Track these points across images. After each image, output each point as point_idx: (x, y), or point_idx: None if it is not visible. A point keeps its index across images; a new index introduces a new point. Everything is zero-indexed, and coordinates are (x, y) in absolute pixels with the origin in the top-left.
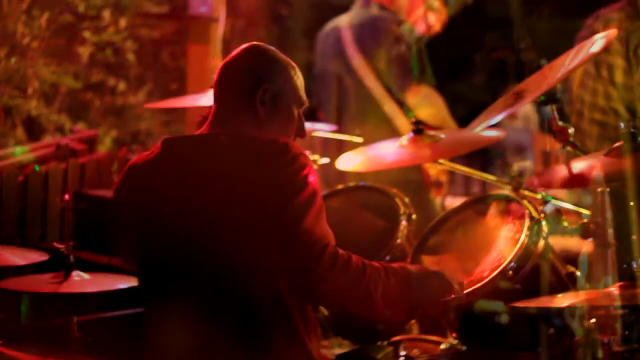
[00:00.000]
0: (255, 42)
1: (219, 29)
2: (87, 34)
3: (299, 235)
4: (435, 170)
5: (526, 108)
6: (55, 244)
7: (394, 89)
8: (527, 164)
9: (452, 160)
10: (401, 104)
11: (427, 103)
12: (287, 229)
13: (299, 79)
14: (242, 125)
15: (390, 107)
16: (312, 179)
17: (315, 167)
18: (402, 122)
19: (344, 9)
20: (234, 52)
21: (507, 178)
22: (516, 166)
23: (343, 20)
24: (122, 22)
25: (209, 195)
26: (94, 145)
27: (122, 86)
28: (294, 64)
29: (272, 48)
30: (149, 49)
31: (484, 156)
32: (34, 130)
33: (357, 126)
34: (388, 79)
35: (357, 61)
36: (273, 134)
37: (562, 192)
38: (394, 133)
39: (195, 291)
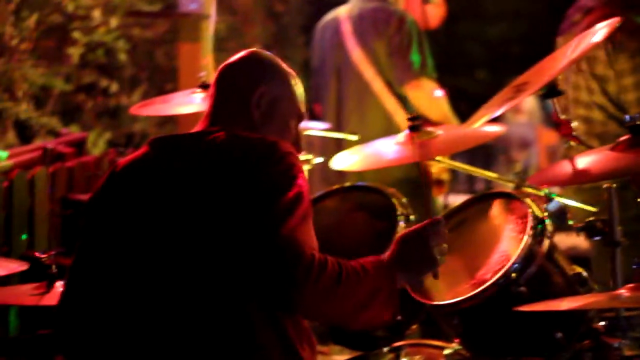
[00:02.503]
0: (256, 49)
1: (210, 27)
2: (77, 35)
3: (275, 241)
4: (436, 168)
5: (531, 102)
6: (37, 254)
7: (394, 82)
8: (532, 159)
9: (454, 156)
10: (401, 99)
11: (428, 98)
12: (265, 234)
13: (299, 90)
14: (235, 126)
15: (390, 102)
16: (300, 181)
17: (309, 166)
18: (402, 118)
19: (341, 3)
20: (235, 56)
21: (511, 174)
22: (520, 162)
23: (342, 12)
24: (113, 22)
25: (190, 197)
26: (82, 149)
27: (114, 87)
28: (295, 74)
29: (274, 56)
30: (143, 49)
31: (488, 152)
32: (25, 133)
33: (355, 121)
34: (388, 72)
35: (357, 54)
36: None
37: (570, 188)
38: (394, 129)
39: (172, 296)
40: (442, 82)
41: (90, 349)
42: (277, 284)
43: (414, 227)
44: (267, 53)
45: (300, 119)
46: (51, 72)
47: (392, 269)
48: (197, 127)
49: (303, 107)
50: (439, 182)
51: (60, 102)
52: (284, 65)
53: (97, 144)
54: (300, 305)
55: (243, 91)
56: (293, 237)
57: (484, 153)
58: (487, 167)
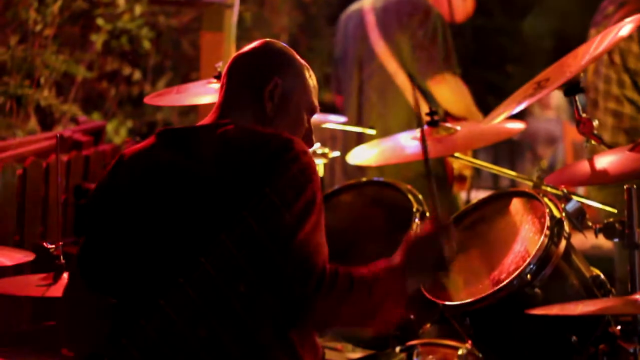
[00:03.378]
0: (270, 39)
1: (234, 16)
2: (100, 22)
3: (286, 251)
4: (458, 163)
5: (559, 97)
6: (45, 244)
7: (417, 76)
8: (558, 155)
9: (477, 151)
10: (425, 93)
11: (452, 92)
12: (275, 242)
13: (313, 83)
14: (246, 118)
15: (412, 96)
16: (314, 184)
17: (326, 160)
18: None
19: None
20: (248, 46)
21: (537, 170)
22: (547, 159)
23: (366, 3)
24: (137, 9)
25: (196, 193)
26: (100, 137)
27: (137, 75)
28: (308, 66)
29: (288, 47)
30: (168, 38)
31: (513, 148)
32: (46, 121)
33: (377, 114)
34: (412, 65)
35: (380, 46)
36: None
37: (592, 188)
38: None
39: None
40: (472, 76)
41: None
42: (287, 295)
43: (422, 228)
44: (281, 44)
45: (313, 111)
46: (72, 59)
47: (403, 273)
48: (207, 119)
49: (316, 100)
50: (461, 178)
51: (82, 89)
52: (298, 57)
53: (119, 133)
54: (309, 317)
55: (255, 82)
56: (304, 247)
57: (510, 149)
58: (512, 163)
